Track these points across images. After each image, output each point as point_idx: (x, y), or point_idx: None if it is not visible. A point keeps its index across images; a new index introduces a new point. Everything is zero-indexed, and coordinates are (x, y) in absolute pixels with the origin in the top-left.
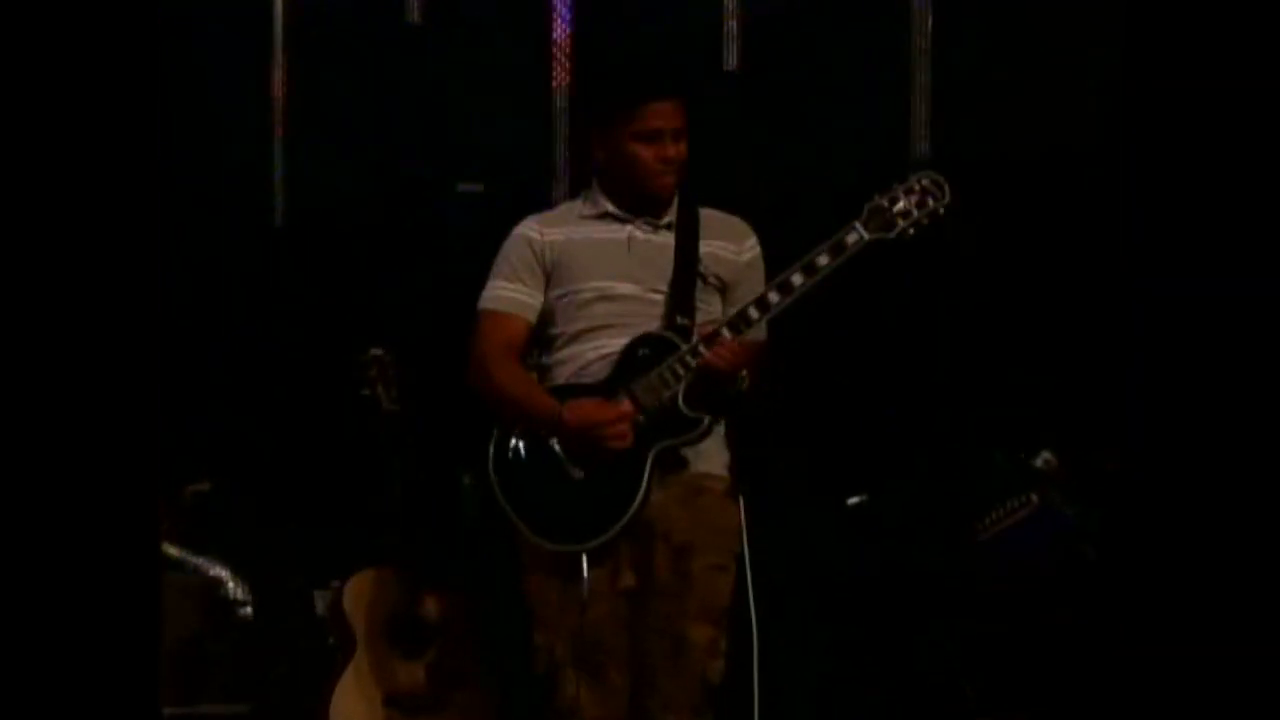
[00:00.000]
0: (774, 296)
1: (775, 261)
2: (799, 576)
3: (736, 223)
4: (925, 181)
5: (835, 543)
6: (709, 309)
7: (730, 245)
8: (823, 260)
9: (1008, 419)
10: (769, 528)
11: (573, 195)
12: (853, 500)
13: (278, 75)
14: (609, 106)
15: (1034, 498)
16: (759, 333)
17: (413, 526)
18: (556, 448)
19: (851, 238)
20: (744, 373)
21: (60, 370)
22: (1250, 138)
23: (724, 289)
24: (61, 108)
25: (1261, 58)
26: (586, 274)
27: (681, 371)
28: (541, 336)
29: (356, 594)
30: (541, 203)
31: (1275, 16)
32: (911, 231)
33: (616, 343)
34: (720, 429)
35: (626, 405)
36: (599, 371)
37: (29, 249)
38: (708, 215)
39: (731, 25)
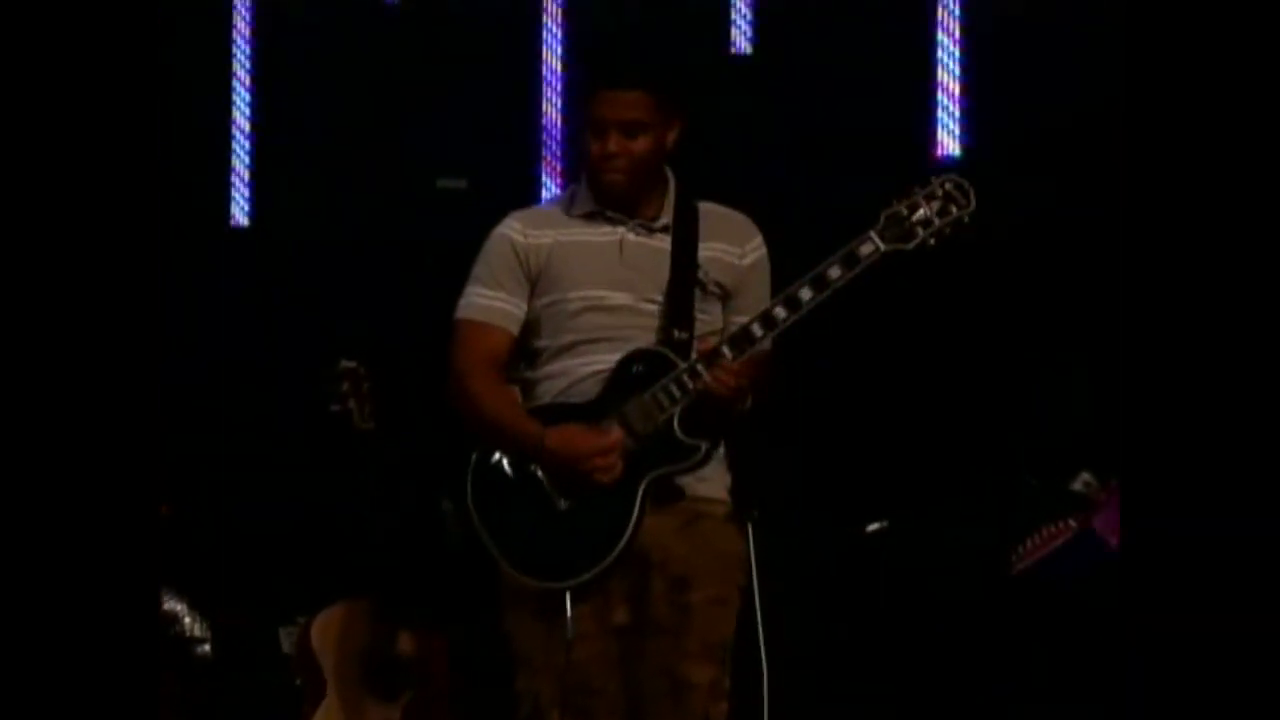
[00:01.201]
0: (780, 312)
1: (782, 264)
2: (813, 610)
3: (739, 220)
4: (948, 186)
5: (853, 574)
6: (709, 319)
7: (732, 247)
8: (834, 273)
9: (1041, 438)
10: (779, 557)
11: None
12: (872, 527)
13: (242, 60)
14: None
15: (1073, 523)
16: (763, 345)
17: (387, 557)
18: (540, 474)
19: (866, 248)
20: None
21: (61, 375)
22: (1253, 126)
23: (725, 296)
24: (62, 109)
25: (1263, 49)
26: (575, 281)
27: (678, 393)
28: (526, 349)
29: (325, 631)
30: (530, 201)
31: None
32: (932, 242)
33: (608, 358)
34: (720, 449)
35: (616, 434)
36: (589, 390)
37: (30, 252)
38: (708, 212)
39: (741, 6)
